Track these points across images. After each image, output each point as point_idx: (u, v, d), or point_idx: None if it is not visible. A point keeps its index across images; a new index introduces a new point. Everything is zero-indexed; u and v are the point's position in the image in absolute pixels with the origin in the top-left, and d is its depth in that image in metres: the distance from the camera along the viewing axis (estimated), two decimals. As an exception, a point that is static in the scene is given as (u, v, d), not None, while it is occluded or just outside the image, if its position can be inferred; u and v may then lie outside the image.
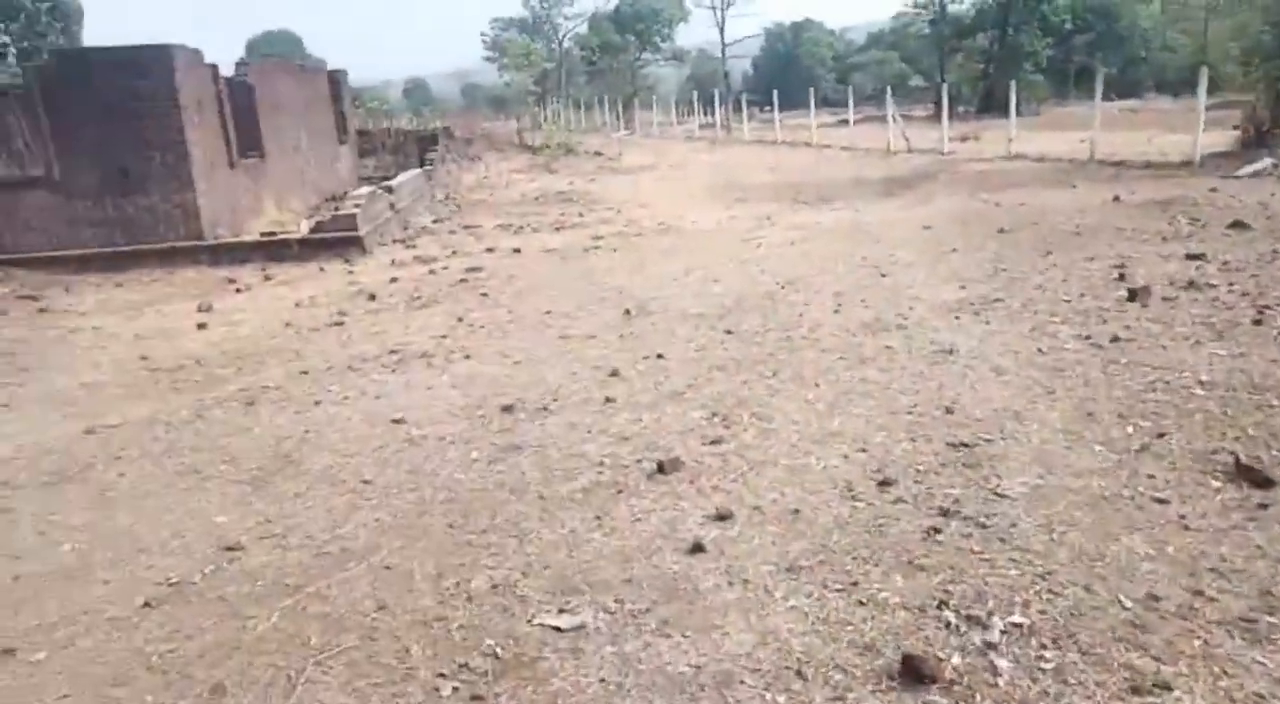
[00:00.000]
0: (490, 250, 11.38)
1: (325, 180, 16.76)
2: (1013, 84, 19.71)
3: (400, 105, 58.54)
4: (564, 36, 62.76)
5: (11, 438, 5.20)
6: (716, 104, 34.74)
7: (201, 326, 7.88)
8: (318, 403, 5.53)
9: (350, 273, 10.24)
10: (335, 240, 10.97)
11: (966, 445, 4.12)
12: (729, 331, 6.58)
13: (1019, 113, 37.76)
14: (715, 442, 4.38)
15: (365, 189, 12.20)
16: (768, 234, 11.41)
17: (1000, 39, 40.16)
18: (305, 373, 6.22)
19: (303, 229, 11.62)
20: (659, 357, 6.04)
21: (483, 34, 61.53)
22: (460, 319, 7.57)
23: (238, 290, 9.63)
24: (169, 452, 4.84)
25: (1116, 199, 12.01)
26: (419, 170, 16.42)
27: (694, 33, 64.27)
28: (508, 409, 5.13)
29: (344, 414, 5.30)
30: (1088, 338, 5.75)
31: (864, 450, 4.16)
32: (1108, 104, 41.79)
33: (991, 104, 37.46)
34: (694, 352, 6.15)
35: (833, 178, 18.32)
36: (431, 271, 9.98)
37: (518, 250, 11.20)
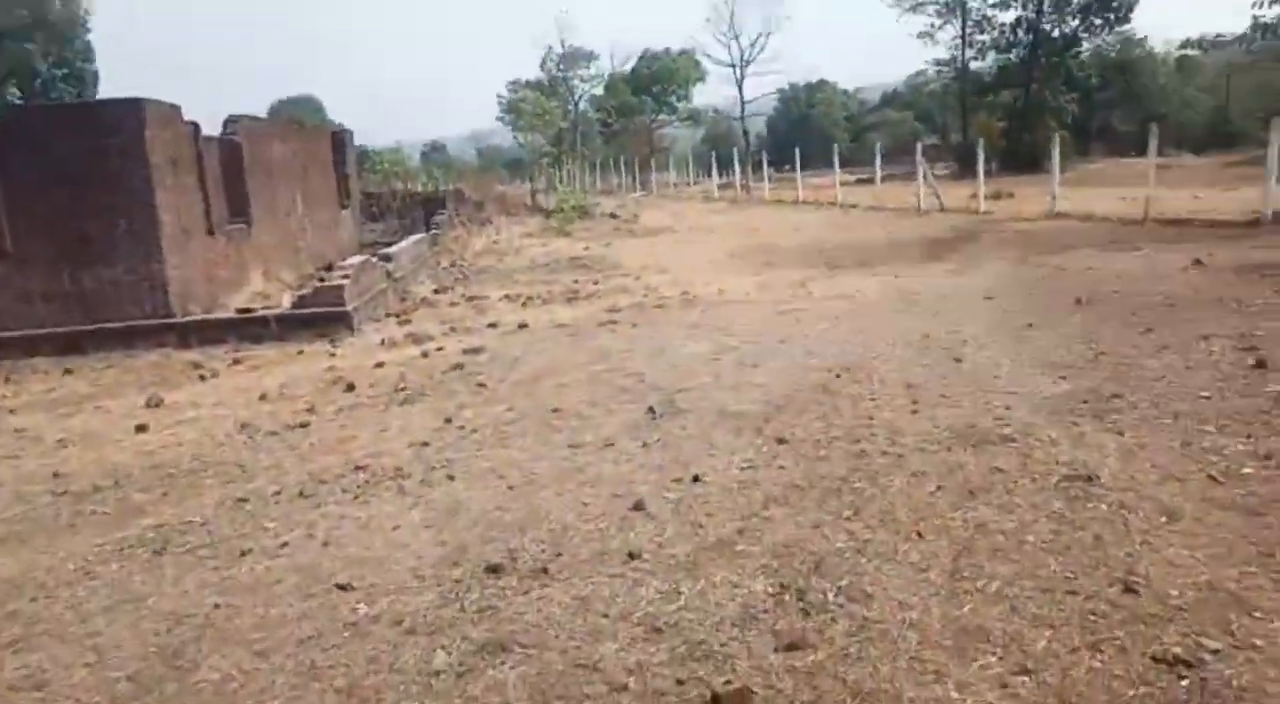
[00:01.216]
0: (494, 326, 10.10)
1: (323, 247, 15.66)
2: (1055, 138, 18.51)
3: (418, 168, 58.23)
4: (579, 98, 62.74)
5: None
6: (735, 164, 33.87)
7: (141, 428, 6.56)
8: (245, 553, 4.15)
9: (332, 355, 8.96)
10: (319, 317, 9.73)
11: (1187, 665, 2.68)
12: (782, 440, 5.19)
13: (1045, 170, 36.79)
14: (793, 646, 2.96)
15: (356, 258, 11.01)
16: (806, 305, 10.09)
17: (1024, 95, 39.33)
18: (244, 501, 4.86)
19: (285, 303, 10.40)
20: (695, 479, 4.66)
21: (499, 95, 61.42)
22: (449, 420, 6.22)
23: (201, 377, 8.35)
24: (19, 641, 3.46)
25: (1198, 263, 10.66)
26: (422, 235, 15.31)
27: (709, 93, 64.20)
28: (494, 570, 3.74)
29: (275, 574, 3.91)
30: (1268, 458, 4.32)
31: (1027, 673, 2.72)
32: (1133, 161, 40.79)
33: (1014, 161, 36.48)
34: (740, 471, 4.76)
35: (865, 239, 17.07)
36: (424, 354, 8.69)
37: (524, 326, 9.92)
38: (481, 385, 7.24)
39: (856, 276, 12.29)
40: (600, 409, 6.25)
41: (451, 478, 5.02)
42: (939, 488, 4.27)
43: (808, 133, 69.01)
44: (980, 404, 5.62)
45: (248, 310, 10.05)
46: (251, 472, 5.40)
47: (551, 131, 46.11)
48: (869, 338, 7.97)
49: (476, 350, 8.62)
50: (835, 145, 27.82)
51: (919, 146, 22.18)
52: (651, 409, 6.09)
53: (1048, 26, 39.28)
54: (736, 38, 45.83)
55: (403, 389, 7.26)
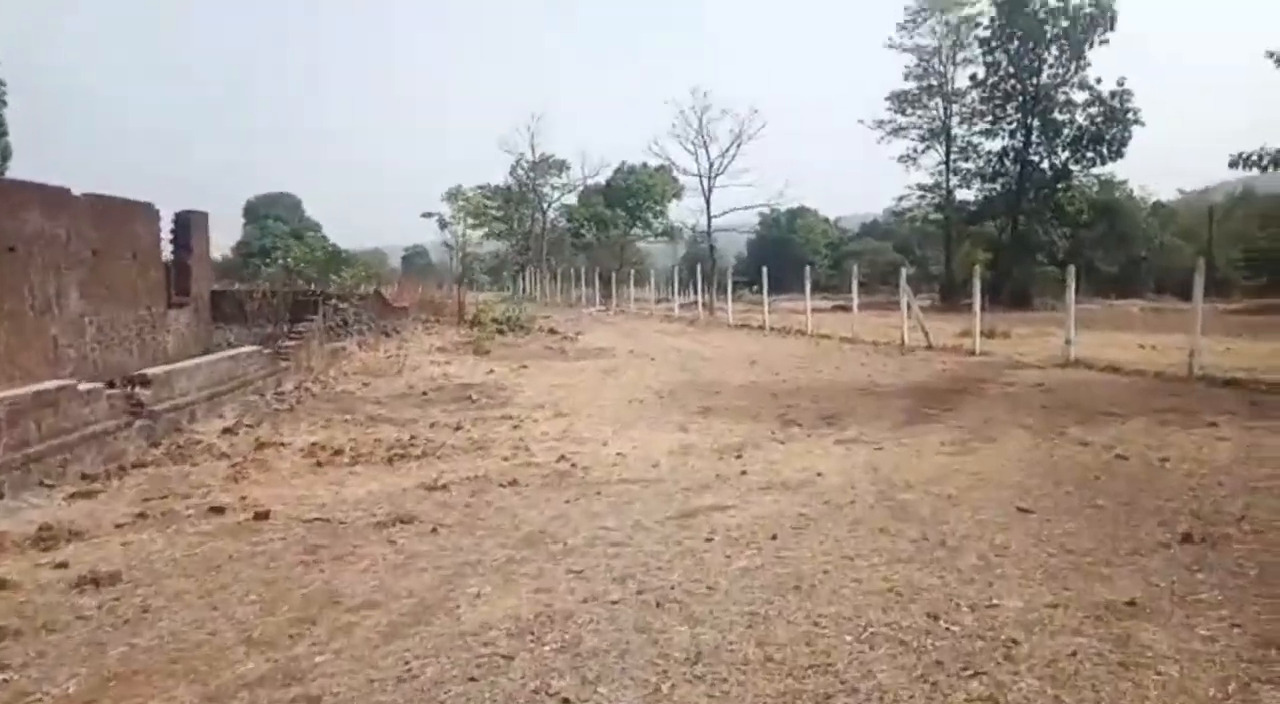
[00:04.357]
0: (218, 512, 6.16)
1: (124, 356, 11.80)
2: (1070, 270, 15.21)
3: (393, 270, 54.61)
4: (549, 206, 60.38)
5: None
6: (698, 282, 30.72)
7: None
8: None
9: None
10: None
11: None
12: None
13: (1033, 308, 33.85)
14: None
15: (41, 386, 7.10)
16: (733, 501, 6.30)
17: (1011, 228, 36.91)
18: None
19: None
20: None
21: (463, 198, 58.71)
22: None
23: None
24: None
25: (1332, 462, 7.02)
26: (251, 348, 11.48)
27: (687, 212, 61.94)
28: None
29: None
30: None
31: None
32: (1125, 303, 38.09)
33: (999, 297, 33.61)
34: None
35: (835, 382, 13.41)
36: (2, 584, 4.71)
37: (263, 517, 5.98)
38: (-41, 717, 3.26)
39: (815, 443, 8.54)
40: None
41: None
42: None
43: (786, 257, 66.95)
44: None
45: None
46: None
47: (513, 236, 43.19)
48: (821, 609, 4.13)
49: (105, 580, 4.66)
50: (808, 267, 24.61)
51: (903, 273, 18.92)
52: None
53: (1036, 157, 37.26)
54: (705, 146, 43.37)
55: None
